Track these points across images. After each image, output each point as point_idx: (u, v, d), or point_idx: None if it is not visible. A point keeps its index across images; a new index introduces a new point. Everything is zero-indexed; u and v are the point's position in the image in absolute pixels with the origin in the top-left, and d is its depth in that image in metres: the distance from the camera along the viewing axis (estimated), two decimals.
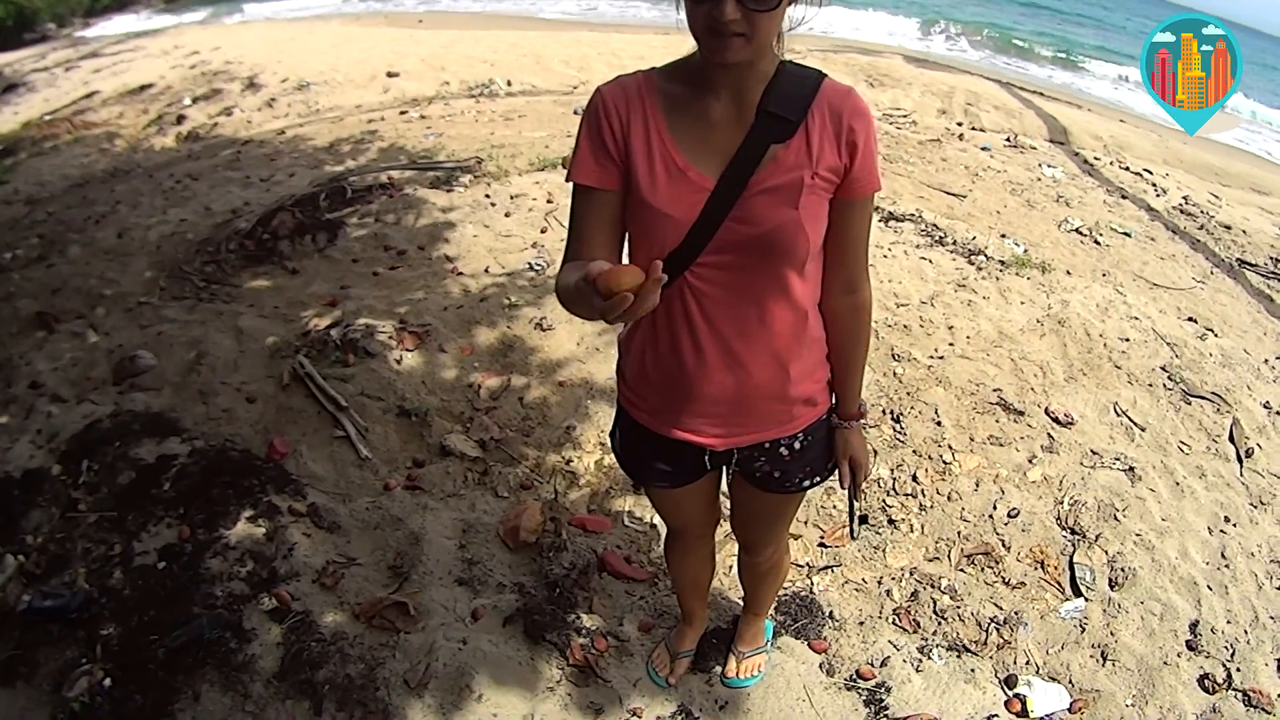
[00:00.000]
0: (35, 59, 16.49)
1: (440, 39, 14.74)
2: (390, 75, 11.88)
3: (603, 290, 1.44)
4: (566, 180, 1.94)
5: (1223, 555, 3.87)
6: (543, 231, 6.11)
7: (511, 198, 6.70)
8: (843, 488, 2.35)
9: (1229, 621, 3.53)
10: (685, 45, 1.83)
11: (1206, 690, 3.24)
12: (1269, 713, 3.16)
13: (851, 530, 2.48)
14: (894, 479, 4.07)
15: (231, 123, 10.46)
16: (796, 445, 2.19)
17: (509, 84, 11.61)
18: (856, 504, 2.45)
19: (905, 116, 10.76)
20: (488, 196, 6.74)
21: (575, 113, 9.62)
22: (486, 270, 5.58)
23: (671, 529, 2.78)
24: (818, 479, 2.31)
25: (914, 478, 4.07)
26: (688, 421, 2.10)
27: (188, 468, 3.69)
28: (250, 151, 8.82)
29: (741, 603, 3.14)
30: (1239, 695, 3.22)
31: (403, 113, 10.00)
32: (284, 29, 17.51)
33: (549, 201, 6.61)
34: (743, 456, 2.21)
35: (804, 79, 1.87)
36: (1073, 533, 3.85)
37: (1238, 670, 3.30)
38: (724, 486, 2.53)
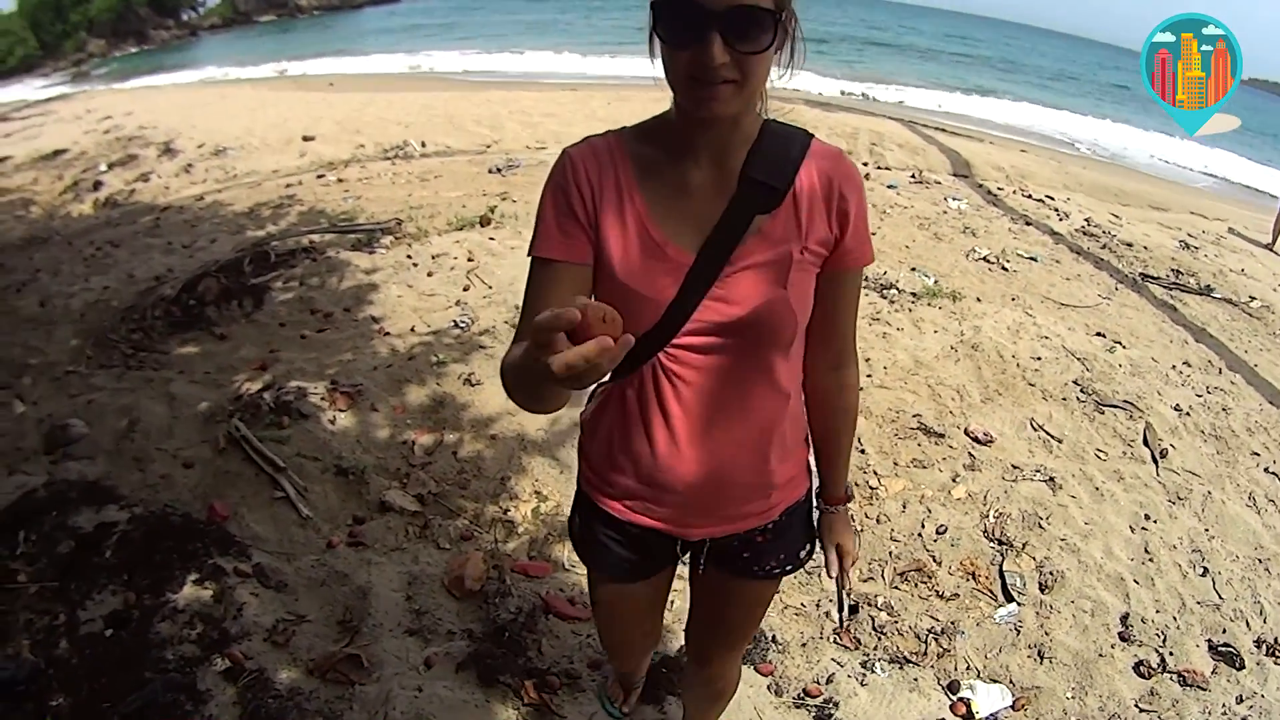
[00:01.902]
0: None
1: (352, 102, 14.84)
2: (306, 139, 11.95)
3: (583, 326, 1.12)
4: (529, 254, 1.71)
5: (1146, 550, 4.10)
6: (465, 290, 6.22)
7: (433, 257, 6.80)
8: (829, 575, 2.20)
9: (1158, 610, 3.74)
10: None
11: (1142, 675, 3.43)
12: (1204, 689, 3.37)
13: (841, 620, 2.32)
14: (849, 481, 4.19)
15: (149, 189, 10.41)
16: (771, 528, 2.00)
17: (423, 145, 11.77)
18: (845, 592, 2.29)
19: None
20: (409, 257, 6.85)
21: (490, 171, 9.79)
22: (413, 329, 5.66)
23: (609, 645, 2.64)
24: (789, 566, 2.10)
25: None
26: (657, 510, 1.91)
27: (129, 534, 3.66)
28: (170, 218, 8.80)
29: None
30: (1174, 677, 3.42)
31: (320, 176, 10.05)
32: (196, 94, 17.48)
33: (470, 260, 6.72)
34: (715, 545, 2.02)
35: (791, 140, 1.70)
36: (1000, 543, 4.04)
37: (1170, 654, 3.51)
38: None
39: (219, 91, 17.70)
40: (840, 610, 2.37)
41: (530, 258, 1.71)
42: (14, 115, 15.94)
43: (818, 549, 2.18)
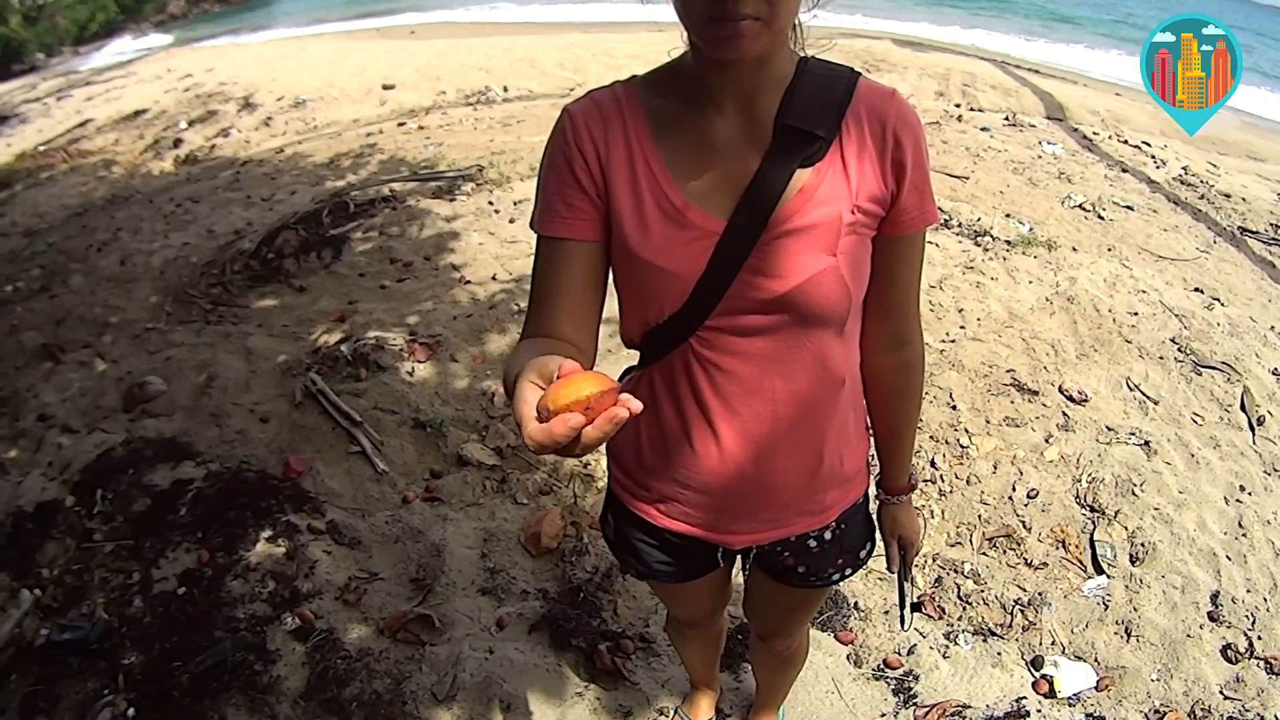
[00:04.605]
0: (26, 90, 16.51)
1: (433, 49, 14.72)
2: (386, 88, 11.84)
3: (543, 411, 0.92)
4: (532, 228, 1.48)
5: (1240, 524, 3.84)
6: None
7: (515, 203, 6.69)
8: (891, 571, 1.99)
9: (1249, 590, 3.51)
10: (681, 39, 1.40)
11: (1230, 660, 3.21)
12: None
13: (902, 619, 2.04)
14: (913, 465, 4.03)
15: (229, 144, 10.44)
16: (827, 535, 1.77)
17: (505, 90, 11.58)
18: (908, 588, 2.05)
19: None
20: (491, 204, 6.75)
21: None
22: (494, 277, 5.57)
23: (673, 617, 2.38)
24: (849, 571, 1.87)
25: (932, 463, 4.05)
26: (695, 515, 1.68)
27: (204, 491, 3.66)
28: (250, 171, 8.81)
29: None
30: (1261, 664, 3.19)
31: (400, 124, 9.97)
32: (277, 47, 17.50)
33: None
34: (762, 551, 1.81)
35: (833, 81, 1.41)
36: (1092, 510, 3.83)
37: (1259, 638, 3.29)
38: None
39: (299, 44, 17.68)
40: (902, 608, 2.06)
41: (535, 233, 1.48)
42: (96, 79, 16.12)
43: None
